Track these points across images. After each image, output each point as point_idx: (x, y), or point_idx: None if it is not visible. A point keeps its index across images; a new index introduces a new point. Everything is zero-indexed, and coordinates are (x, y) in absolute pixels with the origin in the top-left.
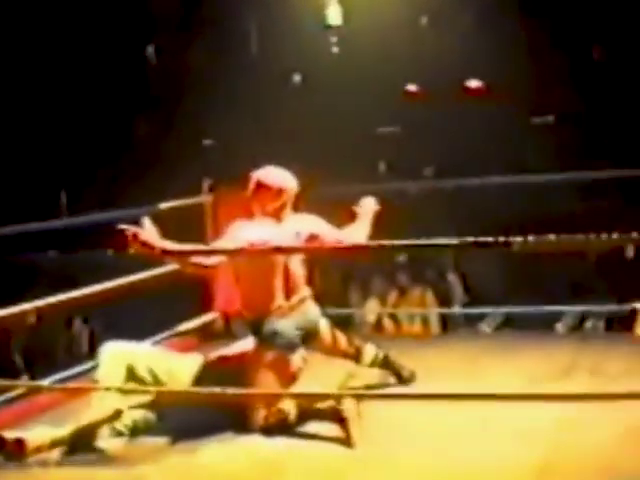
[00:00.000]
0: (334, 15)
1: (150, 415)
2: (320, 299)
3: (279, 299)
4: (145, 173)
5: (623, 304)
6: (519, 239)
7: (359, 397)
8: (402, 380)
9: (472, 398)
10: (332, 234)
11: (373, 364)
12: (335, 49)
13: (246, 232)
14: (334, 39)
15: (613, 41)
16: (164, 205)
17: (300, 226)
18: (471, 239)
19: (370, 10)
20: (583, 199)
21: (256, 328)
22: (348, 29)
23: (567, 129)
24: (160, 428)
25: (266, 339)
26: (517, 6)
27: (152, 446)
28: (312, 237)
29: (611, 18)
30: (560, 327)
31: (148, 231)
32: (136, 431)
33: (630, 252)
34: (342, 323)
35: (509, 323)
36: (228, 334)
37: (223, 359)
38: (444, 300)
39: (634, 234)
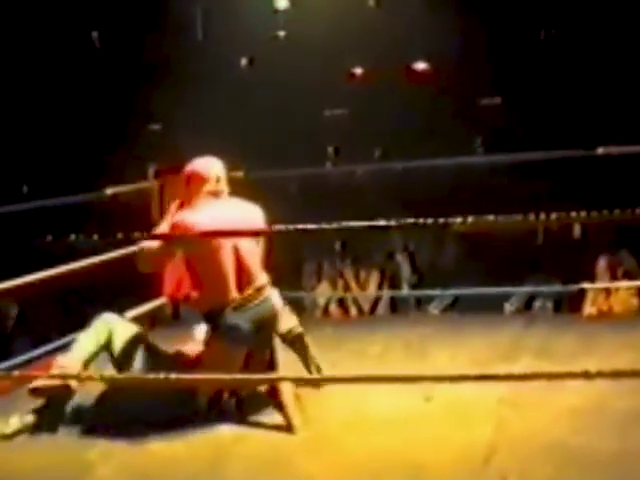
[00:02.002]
0: None
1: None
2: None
3: (233, 291)
4: (91, 159)
5: (571, 284)
6: (458, 220)
7: (301, 381)
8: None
9: (418, 380)
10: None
11: (287, 335)
12: (282, 32)
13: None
14: (281, 22)
15: (561, 21)
16: (110, 190)
17: (245, 213)
18: (410, 220)
19: None
20: (530, 179)
21: (210, 321)
22: (295, 12)
23: (514, 110)
24: (106, 415)
25: (219, 334)
26: None
27: (98, 433)
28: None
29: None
30: (508, 308)
31: None
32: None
33: (577, 232)
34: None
35: (457, 304)
36: (176, 319)
37: (180, 360)
38: (392, 281)
39: (574, 214)
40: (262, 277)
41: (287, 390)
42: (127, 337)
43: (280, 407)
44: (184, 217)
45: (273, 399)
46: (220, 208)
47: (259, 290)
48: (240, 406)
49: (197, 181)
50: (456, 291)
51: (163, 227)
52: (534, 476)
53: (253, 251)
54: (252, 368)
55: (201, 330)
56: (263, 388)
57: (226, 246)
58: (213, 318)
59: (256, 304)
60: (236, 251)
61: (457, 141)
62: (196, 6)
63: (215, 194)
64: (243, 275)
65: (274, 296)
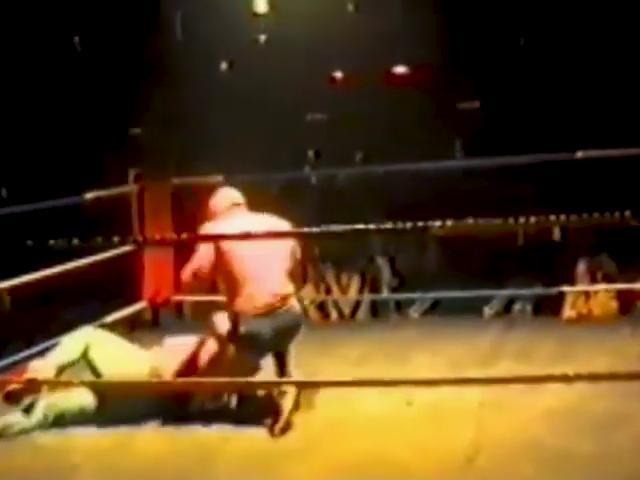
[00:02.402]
0: (261, 3)
1: (88, 402)
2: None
3: (257, 299)
4: (71, 163)
5: (551, 287)
6: (437, 223)
7: (282, 384)
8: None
9: (400, 384)
10: (298, 252)
11: None
12: (262, 36)
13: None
14: (261, 26)
15: (538, 25)
16: (90, 195)
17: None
18: (389, 224)
19: None
20: (509, 183)
21: (234, 326)
22: (275, 16)
23: (493, 114)
24: (96, 415)
25: (240, 339)
26: None
27: (86, 435)
28: (288, 245)
29: (536, 2)
30: (488, 311)
31: None
32: (69, 417)
33: (557, 235)
34: None
35: (438, 307)
36: (156, 324)
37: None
38: (373, 285)
39: (553, 217)
40: (288, 286)
41: (291, 393)
42: (105, 351)
43: (278, 410)
44: (209, 227)
45: (273, 401)
46: (244, 218)
47: (284, 299)
48: (241, 403)
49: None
50: (436, 294)
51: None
52: (514, 477)
53: (280, 260)
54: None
55: (172, 341)
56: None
57: (253, 254)
58: (236, 323)
59: (280, 313)
60: (262, 259)
61: (437, 145)
62: (176, 10)
63: (234, 207)
64: (268, 283)
65: (297, 308)
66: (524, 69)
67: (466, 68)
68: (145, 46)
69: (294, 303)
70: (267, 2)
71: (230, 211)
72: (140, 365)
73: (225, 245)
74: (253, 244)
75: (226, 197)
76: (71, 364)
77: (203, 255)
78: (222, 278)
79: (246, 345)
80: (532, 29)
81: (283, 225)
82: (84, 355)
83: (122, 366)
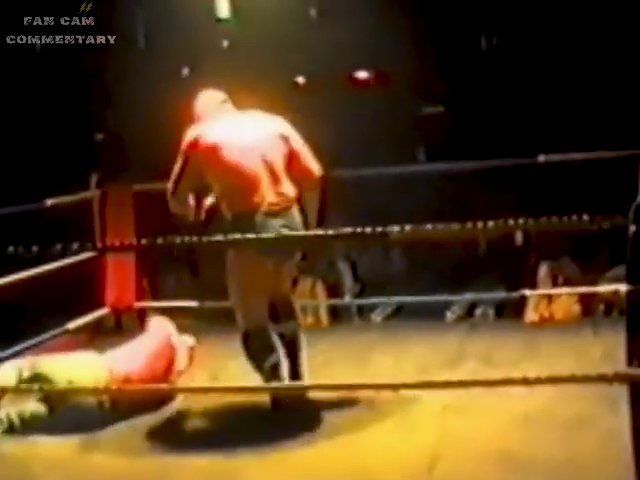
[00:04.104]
0: (223, 8)
1: (41, 409)
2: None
3: (262, 196)
4: (32, 169)
5: (513, 291)
6: (396, 229)
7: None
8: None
9: (362, 388)
10: (298, 142)
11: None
12: (225, 42)
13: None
14: (223, 31)
15: (501, 30)
16: (51, 201)
17: (268, 124)
18: (349, 230)
19: (259, 3)
20: (472, 188)
21: (238, 226)
22: (237, 22)
23: (457, 119)
24: (54, 425)
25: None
26: None
27: (46, 444)
28: (282, 137)
29: (499, 7)
30: (450, 315)
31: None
32: (25, 423)
33: (519, 239)
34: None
35: (399, 312)
36: (119, 330)
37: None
38: (334, 290)
39: (511, 221)
40: (289, 187)
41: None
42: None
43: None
44: (197, 132)
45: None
46: (234, 116)
47: (288, 200)
48: (277, 406)
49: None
50: (399, 299)
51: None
52: None
53: (279, 159)
54: (279, 283)
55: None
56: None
57: (253, 151)
58: (242, 222)
59: (283, 214)
60: (263, 157)
61: (400, 150)
62: (138, 15)
63: (222, 105)
64: (272, 182)
65: (299, 217)
66: (489, 73)
67: (430, 72)
68: (107, 52)
69: (295, 207)
70: (229, 7)
71: (218, 110)
72: (95, 370)
73: (219, 146)
74: (246, 142)
75: (212, 96)
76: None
77: (189, 163)
78: (218, 181)
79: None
80: (498, 32)
81: (275, 121)
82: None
83: (76, 373)
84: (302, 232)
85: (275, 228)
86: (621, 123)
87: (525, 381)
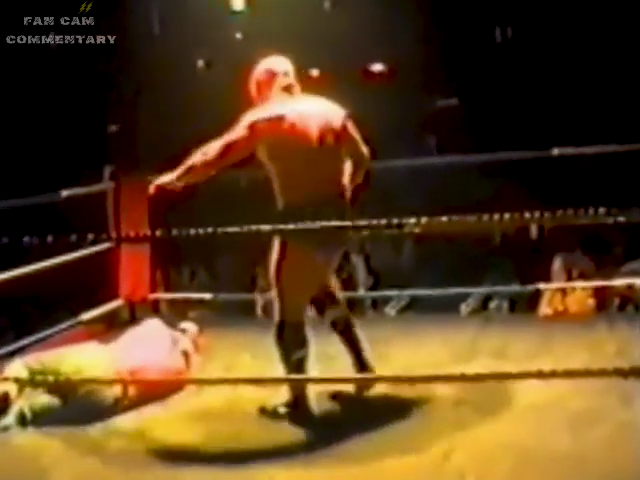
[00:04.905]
0: (237, 1)
1: (52, 401)
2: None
3: (314, 189)
4: (46, 161)
5: (527, 285)
6: (411, 221)
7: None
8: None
9: (376, 380)
10: (353, 130)
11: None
12: (239, 35)
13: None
14: (238, 24)
15: (515, 23)
16: (65, 192)
17: (330, 107)
18: (364, 221)
19: None
20: (486, 180)
21: (288, 217)
22: (251, 14)
23: (471, 111)
24: (66, 416)
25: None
26: None
27: (58, 435)
28: (343, 125)
29: (516, 2)
30: (464, 308)
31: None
32: (37, 415)
33: (534, 232)
34: (246, 309)
35: (414, 305)
36: (133, 322)
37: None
38: (348, 282)
39: (527, 214)
40: (341, 184)
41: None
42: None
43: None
44: (265, 113)
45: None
46: (301, 102)
47: (342, 196)
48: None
49: (267, 78)
50: (413, 292)
51: (232, 133)
52: (492, 475)
53: (335, 153)
54: (326, 277)
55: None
56: None
57: (311, 141)
58: (291, 213)
59: (333, 210)
60: (329, 145)
61: (413, 142)
62: (152, 9)
63: (288, 89)
64: (325, 175)
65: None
66: (502, 66)
67: (444, 65)
68: (122, 44)
69: (347, 205)
70: (244, 0)
71: (286, 93)
72: (103, 361)
73: (298, 132)
74: (318, 130)
75: (279, 72)
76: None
77: (254, 140)
78: (282, 168)
79: (304, 238)
80: (508, 23)
81: (338, 108)
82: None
83: (85, 364)
84: (334, 222)
85: (327, 219)
86: (634, 116)
87: (540, 374)
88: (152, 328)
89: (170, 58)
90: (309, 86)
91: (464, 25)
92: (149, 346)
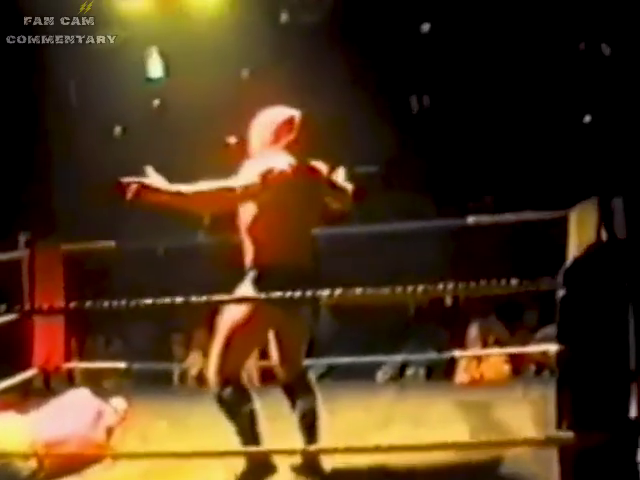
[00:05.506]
0: (155, 68)
1: None
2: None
3: (290, 249)
4: None
5: (443, 352)
6: (326, 292)
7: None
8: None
9: (291, 452)
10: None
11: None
12: (156, 101)
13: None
14: (155, 91)
15: (433, 91)
16: None
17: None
18: (277, 294)
19: (192, 63)
20: (402, 248)
21: (260, 274)
22: (169, 81)
23: (391, 178)
24: None
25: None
26: (338, 56)
27: None
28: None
29: (431, 69)
30: (380, 376)
31: (153, 178)
32: None
33: (449, 300)
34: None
35: (331, 372)
36: (48, 390)
37: None
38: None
39: (441, 285)
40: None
41: None
42: None
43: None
44: (286, 163)
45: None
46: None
47: (313, 256)
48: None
49: (288, 126)
50: (330, 360)
51: (252, 168)
52: None
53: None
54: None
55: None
56: None
57: (301, 201)
58: (265, 270)
59: (305, 271)
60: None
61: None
62: (70, 74)
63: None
64: (302, 235)
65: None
66: (420, 134)
67: (364, 132)
68: (39, 109)
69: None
70: (161, 67)
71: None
72: (19, 433)
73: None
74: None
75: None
76: None
77: (269, 187)
78: (271, 224)
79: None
80: (427, 91)
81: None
82: None
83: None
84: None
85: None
86: (552, 184)
87: (454, 445)
88: (79, 398)
89: (87, 126)
90: (226, 154)
91: (381, 91)
92: (72, 417)
